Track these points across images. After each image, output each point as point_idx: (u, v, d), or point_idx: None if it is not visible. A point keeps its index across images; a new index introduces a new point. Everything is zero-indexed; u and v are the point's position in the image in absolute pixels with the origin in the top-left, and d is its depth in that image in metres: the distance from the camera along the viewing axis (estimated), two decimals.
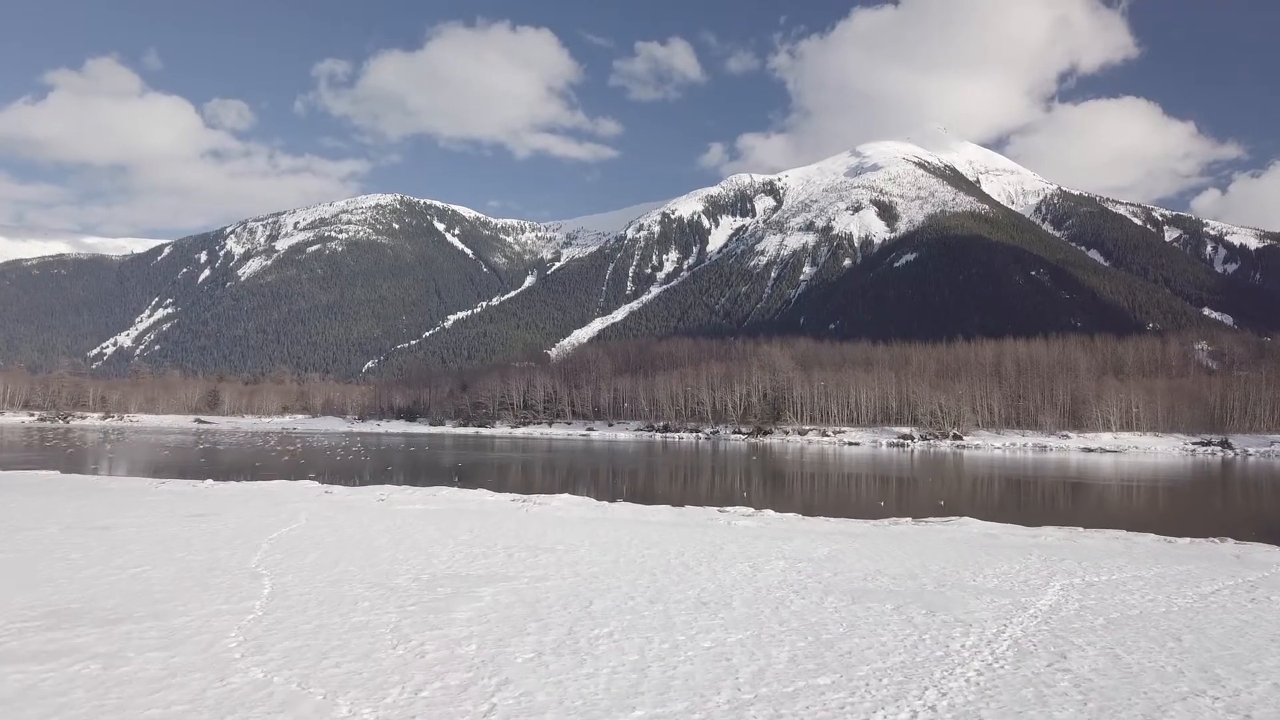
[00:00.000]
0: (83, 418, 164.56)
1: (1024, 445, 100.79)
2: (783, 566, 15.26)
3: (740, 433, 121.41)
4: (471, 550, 16.20)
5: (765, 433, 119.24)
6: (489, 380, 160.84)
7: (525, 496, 28.97)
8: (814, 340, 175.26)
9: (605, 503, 28.38)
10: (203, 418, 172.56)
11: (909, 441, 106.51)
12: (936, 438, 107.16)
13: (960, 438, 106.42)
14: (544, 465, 61.09)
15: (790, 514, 26.41)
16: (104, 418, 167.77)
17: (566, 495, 29.48)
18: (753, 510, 25.92)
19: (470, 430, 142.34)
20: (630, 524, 22.03)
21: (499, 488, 37.22)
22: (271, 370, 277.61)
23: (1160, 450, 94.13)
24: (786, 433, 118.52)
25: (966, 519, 24.71)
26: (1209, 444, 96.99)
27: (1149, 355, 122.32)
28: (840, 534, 21.27)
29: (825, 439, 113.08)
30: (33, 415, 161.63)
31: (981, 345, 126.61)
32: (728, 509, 26.67)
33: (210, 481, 33.57)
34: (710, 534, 20.03)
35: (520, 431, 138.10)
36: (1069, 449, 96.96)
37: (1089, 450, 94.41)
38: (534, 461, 65.01)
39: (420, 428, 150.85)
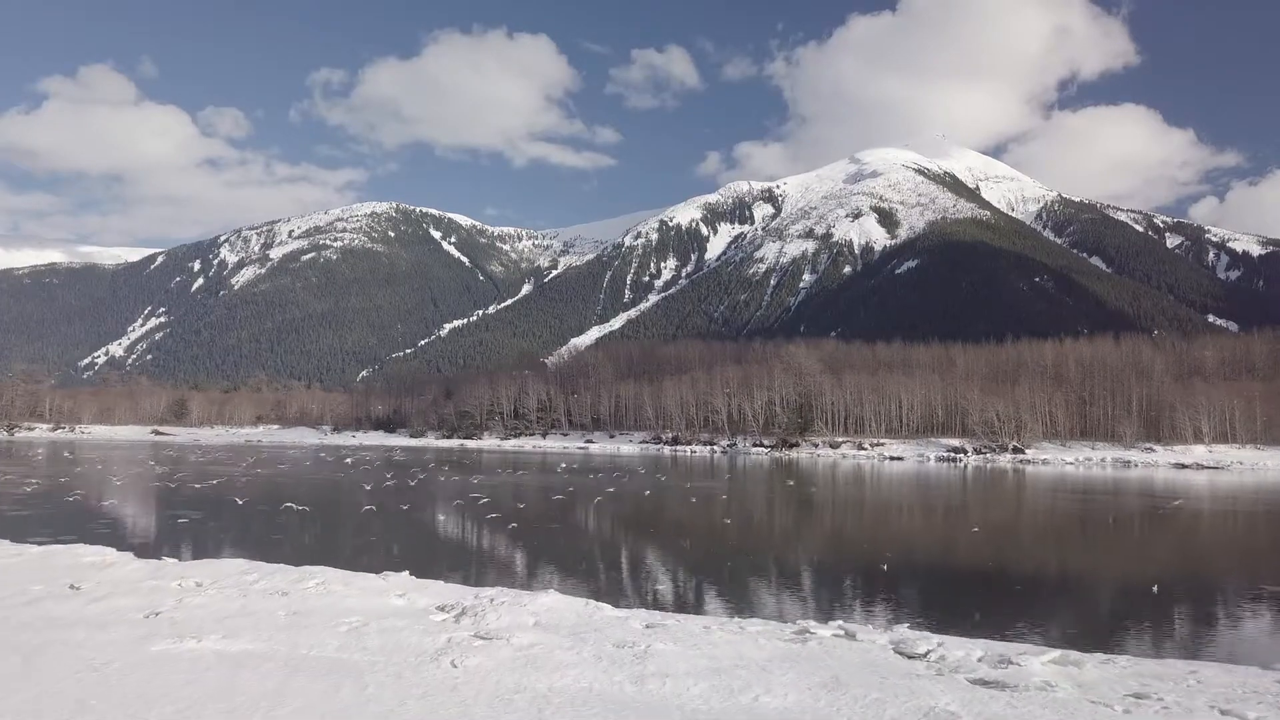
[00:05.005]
0: (30, 429, 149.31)
1: (1100, 460, 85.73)
2: None
3: (762, 445, 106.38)
4: None
5: (791, 445, 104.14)
6: (476, 387, 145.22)
7: (470, 598, 14.06)
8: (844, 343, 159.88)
9: (627, 614, 13.33)
10: (162, 429, 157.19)
11: (961, 455, 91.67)
12: (993, 451, 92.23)
13: (1022, 451, 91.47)
14: (531, 495, 46.15)
15: (1027, 645, 11.59)
16: (53, 429, 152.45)
17: (552, 594, 14.42)
18: (998, 660, 10.94)
19: (454, 442, 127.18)
20: None
21: (437, 560, 22.40)
22: (257, 379, 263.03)
23: (1271, 466, 79.20)
24: (815, 445, 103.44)
25: None
26: None
27: (1231, 355, 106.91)
28: None
29: (862, 452, 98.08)
30: None
31: (1039, 346, 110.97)
32: (918, 644, 11.78)
33: None
34: None
35: (510, 444, 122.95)
36: (1157, 464, 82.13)
37: (1182, 466, 79.58)
38: (524, 487, 50.09)
39: (399, 440, 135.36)
